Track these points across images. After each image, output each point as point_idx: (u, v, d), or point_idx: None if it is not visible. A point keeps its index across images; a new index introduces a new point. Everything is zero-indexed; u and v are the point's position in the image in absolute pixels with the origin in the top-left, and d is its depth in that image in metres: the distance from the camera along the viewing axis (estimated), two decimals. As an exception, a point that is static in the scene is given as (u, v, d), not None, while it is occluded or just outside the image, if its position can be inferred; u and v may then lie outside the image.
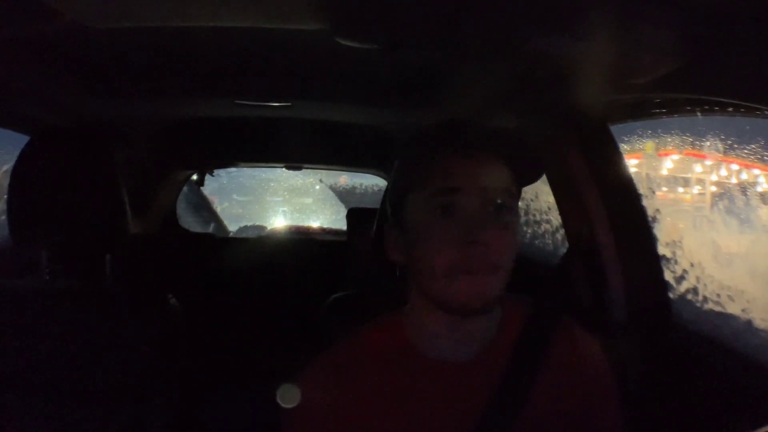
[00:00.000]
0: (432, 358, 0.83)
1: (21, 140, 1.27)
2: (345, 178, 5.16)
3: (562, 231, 1.67)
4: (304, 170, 3.14)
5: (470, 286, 0.75)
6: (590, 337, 0.91)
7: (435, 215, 0.77)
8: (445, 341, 0.82)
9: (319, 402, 0.81)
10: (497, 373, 0.82)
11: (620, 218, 1.32)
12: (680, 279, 1.34)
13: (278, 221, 4.62)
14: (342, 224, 3.30)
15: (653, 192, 1.43)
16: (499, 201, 0.77)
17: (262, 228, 3.99)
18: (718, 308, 1.26)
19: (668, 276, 1.33)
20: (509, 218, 0.78)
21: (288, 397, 0.81)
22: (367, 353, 0.85)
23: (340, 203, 5.10)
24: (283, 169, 3.10)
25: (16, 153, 1.19)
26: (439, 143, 0.82)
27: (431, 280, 0.78)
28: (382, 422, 0.80)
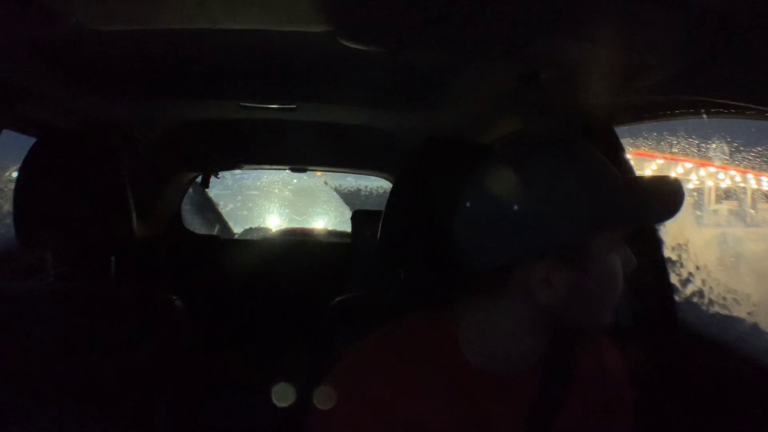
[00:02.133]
0: (478, 366, 0.80)
1: (27, 142, 1.28)
2: (327, 178, 5.16)
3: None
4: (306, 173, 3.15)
5: None
6: (610, 344, 0.91)
7: None
8: (501, 354, 0.80)
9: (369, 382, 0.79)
10: (532, 388, 0.81)
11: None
12: (686, 282, 1.33)
13: (283, 223, 4.61)
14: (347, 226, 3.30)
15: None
16: None
17: (268, 230, 4.00)
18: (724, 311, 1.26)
19: (674, 279, 1.32)
20: None
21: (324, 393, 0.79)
22: (414, 346, 0.81)
23: (345, 205, 5.10)
24: (288, 171, 3.11)
25: (23, 155, 1.19)
26: None
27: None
28: (421, 418, 0.77)
